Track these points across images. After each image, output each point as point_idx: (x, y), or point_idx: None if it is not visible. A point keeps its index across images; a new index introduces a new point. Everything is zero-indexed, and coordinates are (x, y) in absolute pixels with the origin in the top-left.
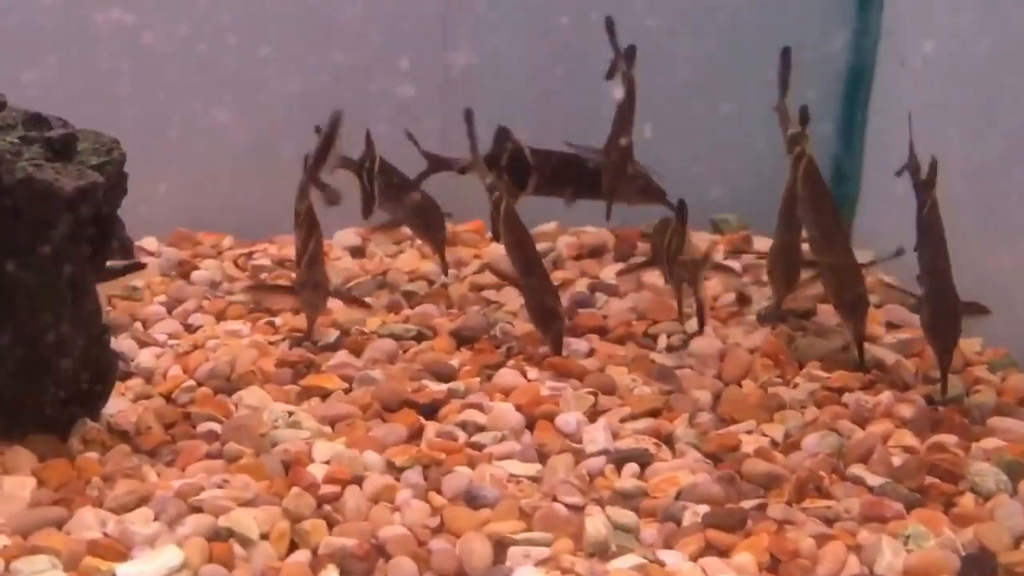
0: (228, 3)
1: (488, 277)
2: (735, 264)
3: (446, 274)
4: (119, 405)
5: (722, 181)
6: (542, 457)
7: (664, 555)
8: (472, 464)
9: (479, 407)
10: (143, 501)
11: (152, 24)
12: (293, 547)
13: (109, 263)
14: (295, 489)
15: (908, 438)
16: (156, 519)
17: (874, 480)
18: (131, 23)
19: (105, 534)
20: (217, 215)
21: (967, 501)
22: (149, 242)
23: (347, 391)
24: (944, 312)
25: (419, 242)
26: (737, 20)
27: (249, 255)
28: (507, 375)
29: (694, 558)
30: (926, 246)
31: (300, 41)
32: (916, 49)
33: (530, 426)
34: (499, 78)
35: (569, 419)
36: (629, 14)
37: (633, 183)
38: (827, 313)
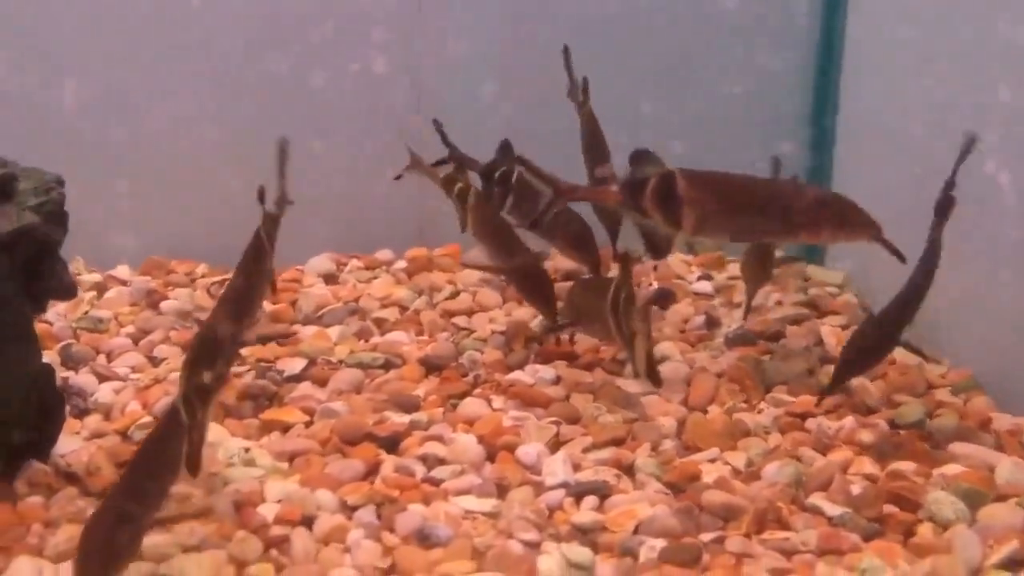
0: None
1: (460, 303)
2: (707, 285)
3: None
4: (72, 444)
5: None
6: (501, 491)
7: None
8: (427, 501)
9: (440, 439)
10: None
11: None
12: None
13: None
14: (240, 533)
15: (868, 465)
16: None
17: (833, 510)
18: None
19: None
20: (195, 242)
21: (925, 530)
22: (122, 270)
23: (308, 424)
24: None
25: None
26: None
27: (222, 283)
28: (472, 404)
29: None
30: None
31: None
32: None
33: (491, 458)
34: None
35: (530, 450)
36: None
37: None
38: (795, 335)
